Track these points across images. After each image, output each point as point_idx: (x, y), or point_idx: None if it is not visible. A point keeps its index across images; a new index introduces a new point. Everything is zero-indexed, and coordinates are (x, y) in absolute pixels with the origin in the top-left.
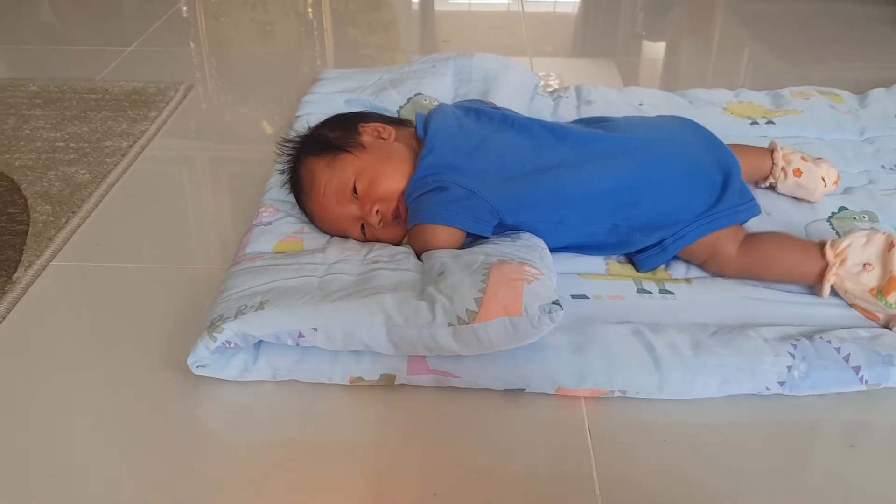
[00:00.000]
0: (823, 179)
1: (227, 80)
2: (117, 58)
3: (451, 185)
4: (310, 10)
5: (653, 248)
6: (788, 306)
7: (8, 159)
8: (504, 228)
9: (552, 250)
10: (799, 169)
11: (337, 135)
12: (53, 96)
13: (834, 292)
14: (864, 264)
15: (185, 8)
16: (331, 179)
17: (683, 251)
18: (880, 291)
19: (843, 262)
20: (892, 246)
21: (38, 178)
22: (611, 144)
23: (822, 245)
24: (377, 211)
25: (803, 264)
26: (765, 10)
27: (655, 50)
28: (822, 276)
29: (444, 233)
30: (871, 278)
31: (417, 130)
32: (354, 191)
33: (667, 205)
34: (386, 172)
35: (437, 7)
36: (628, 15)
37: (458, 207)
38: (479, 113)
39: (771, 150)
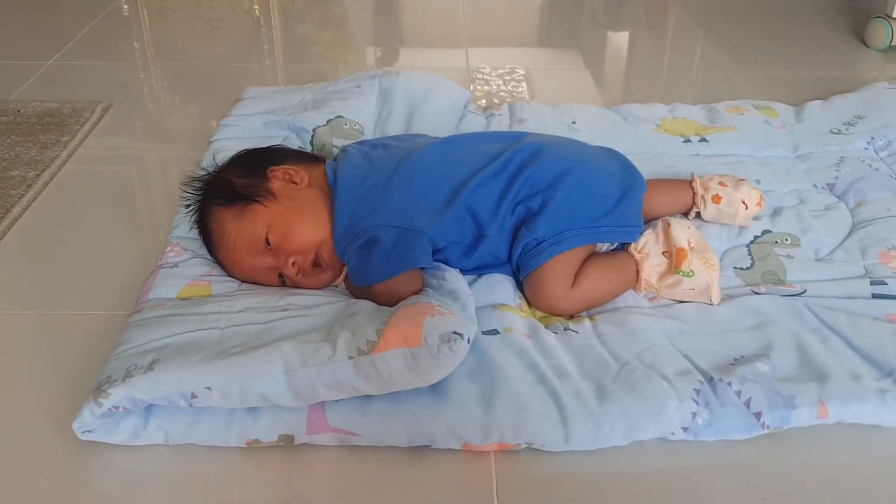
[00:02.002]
0: (744, 202)
1: (159, 91)
2: (36, 73)
3: (380, 230)
4: (256, 6)
5: (529, 253)
6: (692, 337)
7: None
8: (435, 252)
9: (471, 271)
10: (717, 195)
11: (245, 182)
12: None
13: None
14: (663, 253)
15: (125, 6)
16: (241, 232)
17: (527, 279)
18: (675, 266)
19: (646, 257)
20: (668, 225)
21: None
22: (516, 139)
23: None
24: (293, 263)
25: (624, 279)
26: (717, 3)
27: (617, 42)
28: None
29: (403, 281)
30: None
31: (328, 177)
32: (268, 242)
33: (556, 200)
34: (300, 223)
35: None
36: (591, 2)
37: (401, 249)
38: (387, 144)
39: (690, 181)
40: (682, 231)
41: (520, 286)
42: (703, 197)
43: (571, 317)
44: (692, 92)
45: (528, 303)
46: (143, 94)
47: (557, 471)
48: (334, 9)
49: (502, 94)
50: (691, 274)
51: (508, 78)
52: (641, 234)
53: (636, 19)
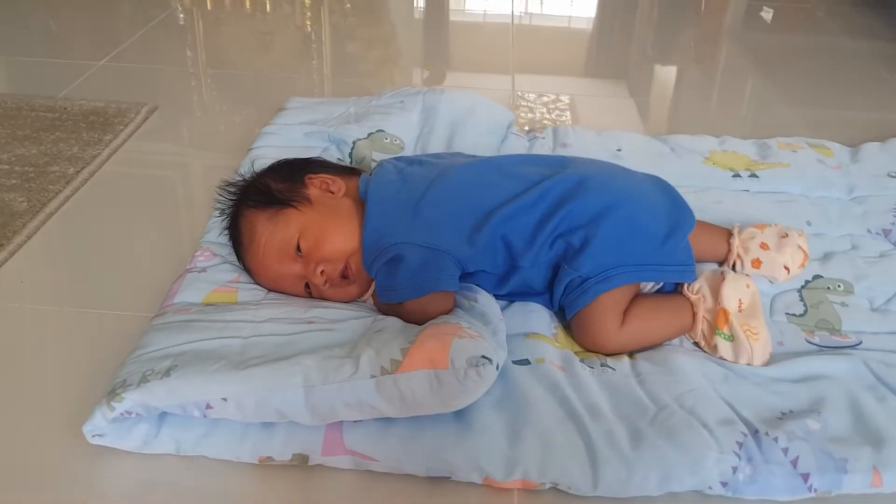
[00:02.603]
0: (787, 267)
1: (206, 98)
2: (86, 72)
3: (407, 248)
4: (308, 23)
5: (575, 291)
6: (737, 384)
7: None
8: (464, 277)
9: (504, 296)
10: (758, 259)
11: (281, 187)
12: (9, 113)
13: None
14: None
15: (181, 15)
16: (272, 235)
17: (574, 318)
18: (715, 326)
19: (702, 300)
20: (723, 280)
21: None
22: (557, 165)
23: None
24: (322, 271)
25: (678, 322)
26: (770, 41)
27: (664, 74)
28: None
29: (432, 300)
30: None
31: (360, 190)
32: (298, 249)
33: (599, 236)
34: (333, 231)
35: (452, 18)
36: (640, 35)
37: (429, 271)
38: (423, 161)
39: (728, 235)
40: (735, 290)
41: (558, 317)
42: (740, 257)
43: None
44: (741, 128)
45: (575, 342)
46: (189, 99)
47: None
48: (384, 28)
49: (545, 121)
50: (731, 339)
51: (553, 106)
52: (698, 277)
53: (686, 53)
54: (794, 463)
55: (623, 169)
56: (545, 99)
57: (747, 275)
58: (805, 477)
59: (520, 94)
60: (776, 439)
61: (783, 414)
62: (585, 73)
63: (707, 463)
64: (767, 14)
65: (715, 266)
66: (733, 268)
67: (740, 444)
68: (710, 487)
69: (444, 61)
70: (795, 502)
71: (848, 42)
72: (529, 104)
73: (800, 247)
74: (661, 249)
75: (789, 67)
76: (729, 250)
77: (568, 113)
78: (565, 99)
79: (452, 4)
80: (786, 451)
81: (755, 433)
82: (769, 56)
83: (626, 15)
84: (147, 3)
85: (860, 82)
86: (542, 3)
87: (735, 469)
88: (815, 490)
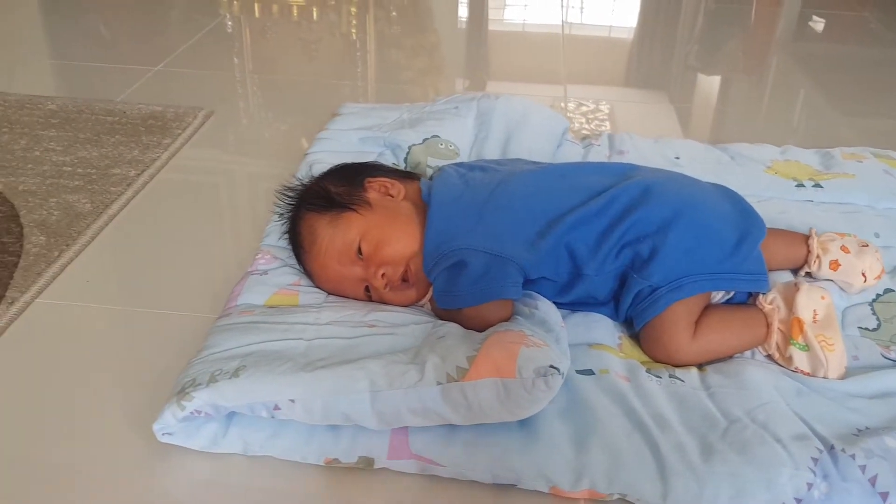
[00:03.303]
0: (864, 274)
1: (258, 103)
2: (143, 77)
3: (470, 254)
4: (354, 31)
5: (645, 301)
6: (811, 399)
7: (13, 183)
8: (525, 284)
9: (566, 304)
10: (836, 261)
11: (341, 190)
12: (70, 116)
13: None
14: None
15: (229, 23)
16: (333, 239)
17: (644, 329)
18: (790, 336)
19: (777, 311)
20: (797, 290)
21: (38, 206)
22: (622, 174)
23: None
24: (383, 274)
25: (752, 334)
26: (822, 52)
27: (708, 84)
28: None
29: (492, 307)
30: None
31: (422, 193)
32: (359, 251)
33: (668, 245)
34: (394, 234)
35: (491, 27)
36: (683, 45)
37: (491, 278)
38: (485, 167)
39: (806, 238)
40: (810, 301)
41: (622, 327)
42: (818, 258)
43: None
44: (793, 139)
45: (645, 353)
46: (240, 105)
47: None
48: (428, 37)
49: (584, 131)
50: (806, 349)
51: (592, 116)
52: (771, 288)
53: (734, 63)
54: (873, 481)
55: (688, 177)
56: (584, 108)
57: (822, 287)
58: (884, 496)
59: (558, 102)
60: (853, 456)
61: (859, 431)
62: (626, 83)
63: (781, 479)
64: (818, 24)
65: (790, 276)
66: (809, 272)
67: (815, 461)
68: None
69: (486, 70)
70: None
71: None
72: (570, 115)
73: (878, 259)
74: (731, 258)
75: (842, 77)
76: (808, 251)
77: (608, 122)
78: (605, 109)
79: (491, 14)
80: (863, 468)
81: (831, 449)
82: (821, 66)
83: (668, 27)
84: (195, 10)
85: None
86: (581, 12)
87: (810, 486)
88: None
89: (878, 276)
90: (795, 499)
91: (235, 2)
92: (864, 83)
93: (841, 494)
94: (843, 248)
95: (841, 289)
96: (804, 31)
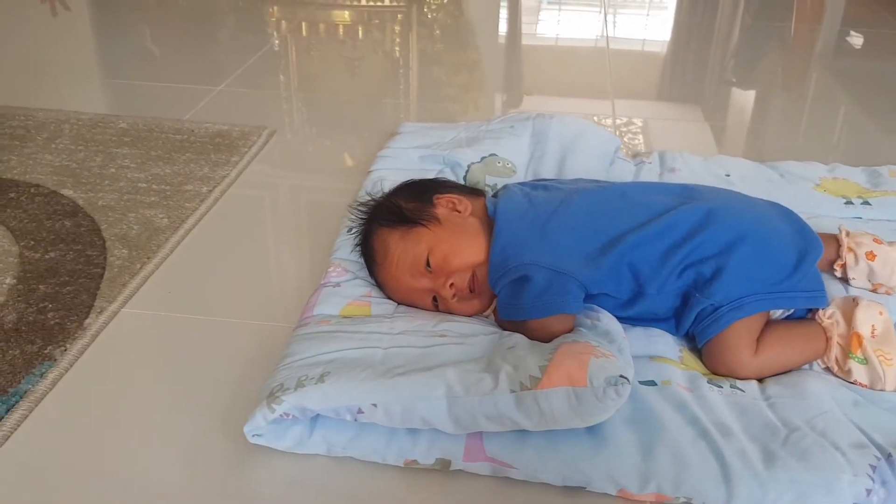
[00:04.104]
0: None
1: (310, 121)
2: (207, 97)
3: (534, 269)
4: (397, 48)
5: (707, 319)
6: (867, 410)
7: (92, 198)
8: (586, 299)
9: (626, 318)
10: (872, 252)
11: (412, 206)
12: (141, 135)
13: None
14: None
15: (277, 42)
16: (405, 252)
17: (707, 346)
18: (849, 350)
19: (836, 325)
20: (857, 305)
21: (118, 220)
22: (682, 195)
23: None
24: (451, 285)
25: (812, 348)
26: (861, 68)
27: (744, 100)
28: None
29: (556, 320)
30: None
31: (488, 209)
32: (427, 264)
33: (731, 266)
34: (461, 248)
35: (525, 41)
36: (718, 59)
37: (554, 293)
38: (548, 186)
39: (837, 234)
40: (868, 316)
41: (684, 342)
42: (853, 251)
43: None
44: (832, 156)
45: (708, 370)
46: (296, 123)
47: None
48: (469, 54)
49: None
50: (864, 362)
51: (625, 129)
52: (830, 303)
53: (772, 79)
54: None
55: (746, 197)
56: (618, 122)
57: (880, 303)
58: None
59: (590, 118)
60: None
61: None
62: (659, 97)
63: (841, 485)
64: (856, 40)
65: (827, 275)
66: (844, 271)
67: (874, 468)
68: None
69: (521, 85)
70: None
71: None
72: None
73: None
74: (792, 276)
75: (882, 94)
76: (839, 245)
77: (641, 136)
78: (638, 122)
79: (525, 29)
80: None
81: (888, 457)
82: (860, 82)
83: (702, 40)
84: (242, 29)
85: None
86: (614, 27)
87: (869, 492)
88: None
89: None
90: None
91: (284, 21)
92: None
93: None
94: (876, 240)
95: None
96: (843, 48)
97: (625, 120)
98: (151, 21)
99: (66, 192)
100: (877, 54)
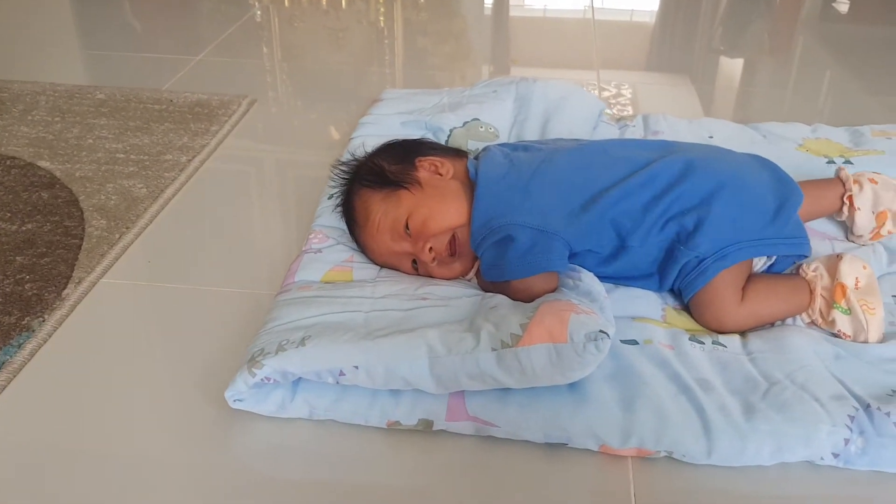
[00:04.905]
0: None
1: (293, 91)
2: (186, 66)
3: (517, 229)
4: (382, 18)
5: (692, 272)
6: (848, 363)
7: (69, 169)
8: (570, 256)
9: (608, 277)
10: (873, 178)
11: (395, 169)
12: (119, 105)
13: None
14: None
15: (258, 13)
16: (385, 215)
17: (693, 298)
18: (833, 300)
19: (819, 278)
20: (840, 259)
21: (96, 191)
22: (662, 149)
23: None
24: (430, 248)
25: (797, 299)
26: (847, 32)
27: (732, 67)
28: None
29: (539, 280)
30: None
31: (469, 172)
32: (407, 227)
33: (712, 216)
34: (441, 211)
35: (512, 13)
36: (706, 28)
37: (538, 251)
38: (528, 146)
39: (834, 178)
40: (852, 269)
41: (667, 299)
42: (857, 181)
43: None
44: (819, 119)
45: (696, 322)
46: (279, 92)
47: (697, 485)
48: (455, 22)
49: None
50: (847, 312)
51: (613, 101)
52: (813, 259)
53: (759, 45)
54: None
55: (725, 150)
56: (605, 94)
57: (863, 258)
58: None
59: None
60: (888, 414)
61: (893, 391)
62: (648, 67)
63: (820, 435)
64: (842, 6)
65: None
66: (852, 202)
67: (852, 418)
68: (821, 458)
69: (508, 55)
70: None
71: None
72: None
73: None
74: (773, 224)
75: (868, 58)
76: (843, 181)
77: (630, 107)
78: (627, 94)
79: (513, 1)
80: None
81: (867, 408)
82: (847, 47)
83: (690, 9)
84: (225, 2)
85: None
86: None
87: (847, 441)
88: None
89: None
90: (833, 453)
91: None
92: (889, 62)
93: (876, 449)
94: (873, 177)
95: (877, 252)
96: (829, 13)
97: (613, 91)
98: None
99: (43, 163)
100: (862, 18)
